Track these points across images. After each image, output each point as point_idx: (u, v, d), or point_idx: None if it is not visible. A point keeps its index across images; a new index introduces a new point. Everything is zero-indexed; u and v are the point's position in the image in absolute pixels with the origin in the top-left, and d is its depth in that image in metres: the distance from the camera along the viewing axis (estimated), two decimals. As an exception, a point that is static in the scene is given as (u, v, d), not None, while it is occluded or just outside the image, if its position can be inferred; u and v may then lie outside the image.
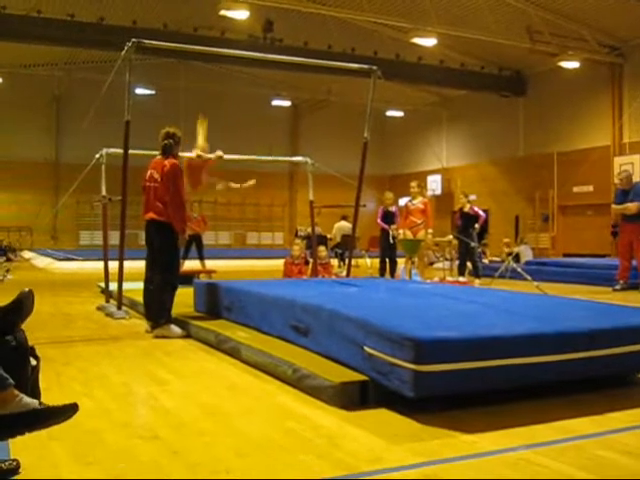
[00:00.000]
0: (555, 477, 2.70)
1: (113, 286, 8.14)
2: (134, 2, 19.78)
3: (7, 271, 9.36)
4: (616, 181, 14.99)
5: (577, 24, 19.48)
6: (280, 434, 3.25)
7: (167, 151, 6.54)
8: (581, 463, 2.83)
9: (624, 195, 11.07)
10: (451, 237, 14.05)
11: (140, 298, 6.94)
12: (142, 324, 6.79)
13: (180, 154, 7.13)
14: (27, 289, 2.77)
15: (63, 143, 27.19)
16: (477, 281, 12.28)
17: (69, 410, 2.68)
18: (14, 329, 2.68)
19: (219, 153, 8.34)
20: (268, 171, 28.52)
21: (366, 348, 3.84)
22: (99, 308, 8.24)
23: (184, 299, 6.98)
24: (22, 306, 2.72)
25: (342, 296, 5.75)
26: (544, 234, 23.20)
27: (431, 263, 17.48)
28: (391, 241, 12.28)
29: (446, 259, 14.81)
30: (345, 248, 15.24)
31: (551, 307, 5.04)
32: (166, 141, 6.55)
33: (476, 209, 12.83)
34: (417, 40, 18.69)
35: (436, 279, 13.07)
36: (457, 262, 13.35)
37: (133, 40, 7.37)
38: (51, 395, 3.60)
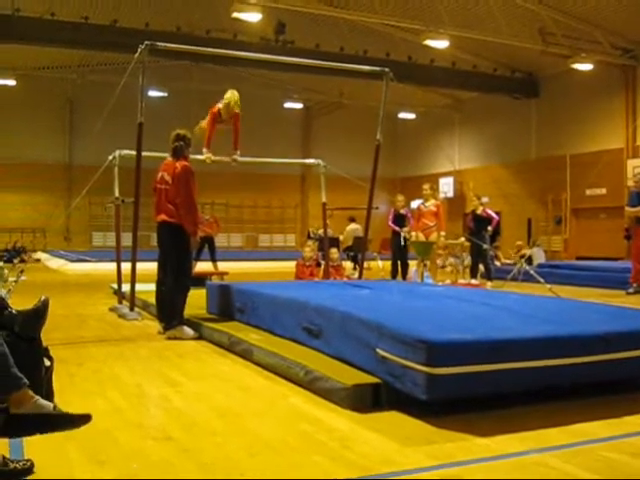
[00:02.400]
0: (569, 481, 2.69)
1: (126, 287, 8.16)
2: (147, 5, 19.86)
3: (21, 272, 9.39)
4: (630, 183, 14.90)
5: (590, 26, 19.39)
6: (292, 436, 3.25)
7: (178, 153, 6.55)
8: (594, 467, 2.81)
9: (639, 198, 11.01)
10: (463, 239, 14.00)
11: (152, 299, 6.96)
12: (155, 325, 6.81)
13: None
14: (44, 297, 2.78)
15: (76, 145, 27.31)
16: (489, 283, 12.24)
17: (82, 420, 2.69)
18: (34, 335, 2.70)
19: (235, 157, 8.34)
20: (280, 173, 28.58)
21: (379, 350, 3.84)
22: (112, 309, 8.27)
23: (196, 301, 7.00)
24: (43, 313, 2.74)
25: (354, 298, 5.75)
26: (557, 237, 23.11)
27: (442, 266, 17.43)
28: (402, 243, 12.26)
29: (456, 257, 14.76)
30: (357, 250, 15.23)
31: (565, 310, 5.01)
32: (177, 143, 6.56)
33: (489, 211, 12.80)
34: (429, 42, 18.65)
35: (448, 282, 13.03)
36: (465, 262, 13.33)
37: (146, 42, 7.40)
38: (65, 396, 3.62)
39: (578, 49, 19.73)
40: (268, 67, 20.49)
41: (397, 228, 12.45)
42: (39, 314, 2.73)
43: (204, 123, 8.03)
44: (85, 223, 27.51)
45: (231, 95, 7.87)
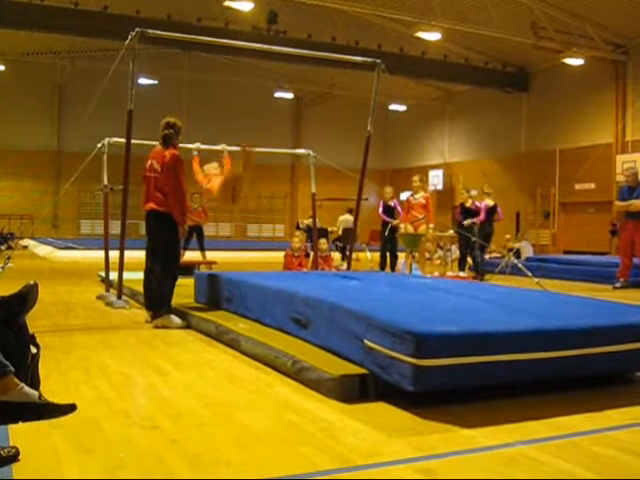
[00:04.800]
0: (553, 473, 2.70)
1: (113, 275, 8.13)
2: (138, -9, 19.74)
3: (8, 259, 9.34)
4: (620, 178, 14.96)
5: (582, 21, 19.43)
6: (280, 426, 3.26)
7: (167, 141, 6.52)
8: (579, 459, 2.84)
9: (629, 192, 11.06)
10: (452, 232, 14.04)
11: (140, 288, 6.95)
12: (142, 314, 6.79)
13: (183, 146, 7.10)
14: (32, 282, 2.77)
15: (65, 132, 27.14)
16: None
17: (67, 409, 2.69)
18: (17, 319, 2.68)
19: (223, 147, 8.30)
20: (270, 163, 28.44)
21: (366, 341, 3.85)
22: (99, 297, 8.24)
23: (184, 290, 6.99)
24: (27, 298, 2.72)
25: (343, 289, 5.75)
26: (545, 231, 23.21)
27: (430, 258, 17.48)
28: (390, 233, 12.27)
29: (448, 250, 14.82)
30: (346, 241, 15.23)
31: (552, 303, 5.03)
32: (166, 131, 6.53)
33: (478, 204, 12.83)
34: (421, 34, 18.65)
35: (436, 274, 13.07)
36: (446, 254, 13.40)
37: (137, 29, 7.35)
38: (51, 384, 3.61)
39: (569, 44, 19.79)
40: (259, 56, 20.39)
41: (388, 218, 12.47)
42: (24, 297, 2.71)
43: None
44: (73, 211, 27.40)
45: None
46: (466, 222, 12.46)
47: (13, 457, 2.63)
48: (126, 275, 7.76)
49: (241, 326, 5.42)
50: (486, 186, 14.01)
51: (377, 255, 13.31)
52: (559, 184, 22.57)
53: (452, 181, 27.58)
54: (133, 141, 7.68)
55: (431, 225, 12.18)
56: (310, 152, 10.26)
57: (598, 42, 20.06)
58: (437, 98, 28.84)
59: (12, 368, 2.56)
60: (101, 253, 8.97)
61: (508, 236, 18.40)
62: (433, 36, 18.73)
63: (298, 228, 17.24)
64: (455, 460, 2.83)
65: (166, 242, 6.41)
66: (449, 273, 13.18)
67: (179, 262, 6.82)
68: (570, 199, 22.55)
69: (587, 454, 2.92)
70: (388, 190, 12.98)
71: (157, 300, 6.39)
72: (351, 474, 2.65)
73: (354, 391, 3.75)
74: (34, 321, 2.81)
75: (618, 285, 10.97)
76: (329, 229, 16.99)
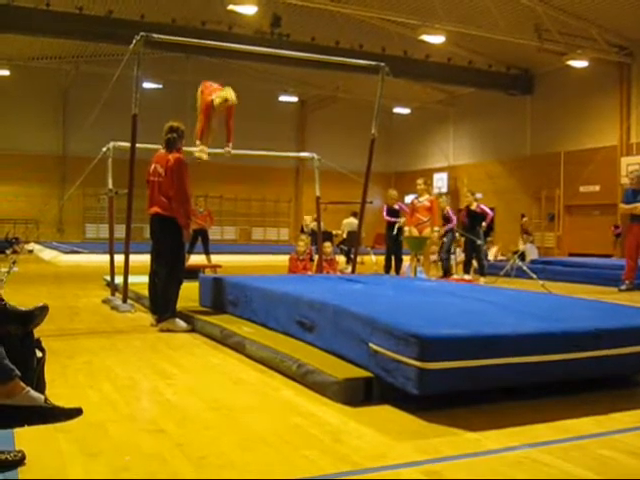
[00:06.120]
0: (560, 476, 2.70)
1: (119, 279, 8.15)
2: (143, -4, 19.81)
3: (13, 263, 9.37)
4: (625, 181, 14.93)
5: (586, 23, 19.42)
6: (285, 429, 3.25)
7: (171, 145, 6.53)
8: (585, 462, 2.83)
9: (634, 195, 11.03)
10: (457, 235, 14.01)
11: (145, 292, 6.96)
12: (147, 318, 6.80)
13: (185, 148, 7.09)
14: (43, 304, 2.78)
15: (70, 136, 27.23)
16: (482, 279, 12.26)
17: (72, 413, 2.69)
18: (26, 332, 2.70)
19: (228, 149, 8.30)
20: (274, 167, 28.56)
21: (371, 345, 3.84)
22: (104, 301, 8.26)
23: (189, 293, 6.99)
24: (34, 318, 2.74)
25: (347, 292, 5.74)
26: (550, 233, 23.19)
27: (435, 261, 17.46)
28: (395, 232, 12.25)
29: (452, 253, 14.81)
30: (351, 245, 15.23)
31: (557, 306, 5.02)
32: (170, 135, 6.54)
33: (483, 207, 12.81)
34: (425, 37, 18.66)
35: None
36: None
37: (141, 34, 7.37)
38: (56, 387, 3.62)
39: (574, 46, 19.79)
40: (263, 60, 20.45)
41: (393, 219, 12.46)
42: (29, 318, 2.72)
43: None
44: (78, 215, 27.47)
45: (228, 93, 7.58)
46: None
47: (19, 461, 2.63)
48: (131, 279, 7.78)
49: (246, 330, 5.42)
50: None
51: (382, 258, 13.30)
52: (564, 186, 22.56)
53: (457, 184, 27.58)
54: (138, 145, 7.70)
55: (436, 228, 12.16)
56: (314, 156, 10.26)
57: (602, 44, 20.06)
58: (441, 101, 28.85)
59: (18, 372, 2.57)
60: (106, 257, 8.99)
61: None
62: (437, 39, 18.74)
63: (303, 231, 17.25)
64: (460, 463, 2.82)
65: (171, 246, 6.42)
66: (454, 276, 13.16)
67: (184, 266, 6.82)
68: (575, 201, 22.52)
69: (593, 457, 2.91)
70: (392, 194, 12.97)
71: (162, 304, 6.40)
72: (356, 477, 2.65)
73: (359, 394, 3.75)
74: (39, 325, 2.82)
75: (623, 287, 10.94)
76: (334, 232, 17.00)
